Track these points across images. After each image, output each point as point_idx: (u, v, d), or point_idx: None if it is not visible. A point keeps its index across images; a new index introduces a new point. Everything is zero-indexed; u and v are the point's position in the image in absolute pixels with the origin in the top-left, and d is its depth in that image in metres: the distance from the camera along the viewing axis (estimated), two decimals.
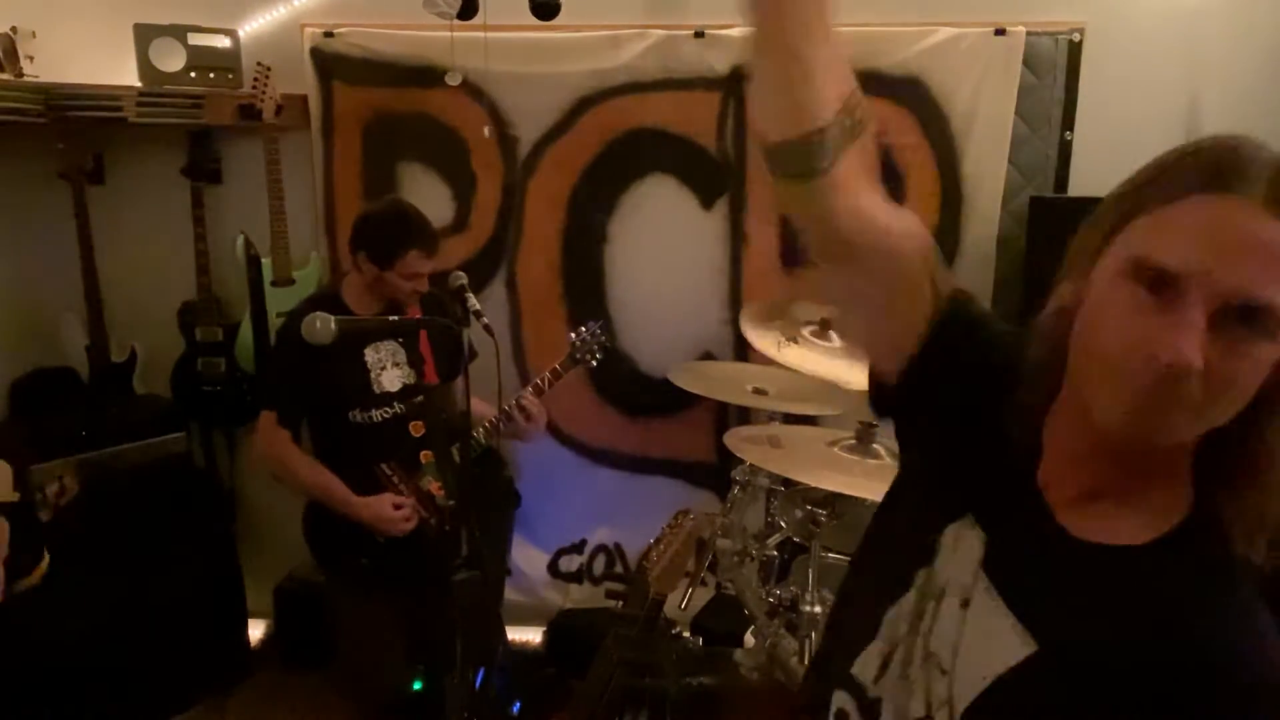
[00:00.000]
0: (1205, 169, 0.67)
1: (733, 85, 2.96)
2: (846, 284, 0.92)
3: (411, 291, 2.37)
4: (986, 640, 0.78)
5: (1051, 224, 2.71)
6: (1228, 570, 0.73)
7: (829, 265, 0.89)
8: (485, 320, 2.44)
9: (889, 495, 1.00)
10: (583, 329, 2.65)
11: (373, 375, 2.42)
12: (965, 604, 0.82)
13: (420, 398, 2.46)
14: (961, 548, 0.84)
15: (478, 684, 2.34)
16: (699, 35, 2.92)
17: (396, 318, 2.39)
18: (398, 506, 2.39)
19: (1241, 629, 0.70)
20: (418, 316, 2.45)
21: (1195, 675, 0.68)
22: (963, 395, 0.88)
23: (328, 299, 2.42)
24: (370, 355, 2.43)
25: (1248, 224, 0.65)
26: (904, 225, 0.88)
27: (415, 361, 2.49)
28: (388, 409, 2.43)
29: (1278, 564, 0.72)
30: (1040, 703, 0.73)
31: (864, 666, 0.88)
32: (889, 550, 0.94)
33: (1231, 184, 0.66)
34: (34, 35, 2.87)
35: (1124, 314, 0.69)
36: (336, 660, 2.69)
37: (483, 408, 2.54)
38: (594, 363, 2.64)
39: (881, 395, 0.96)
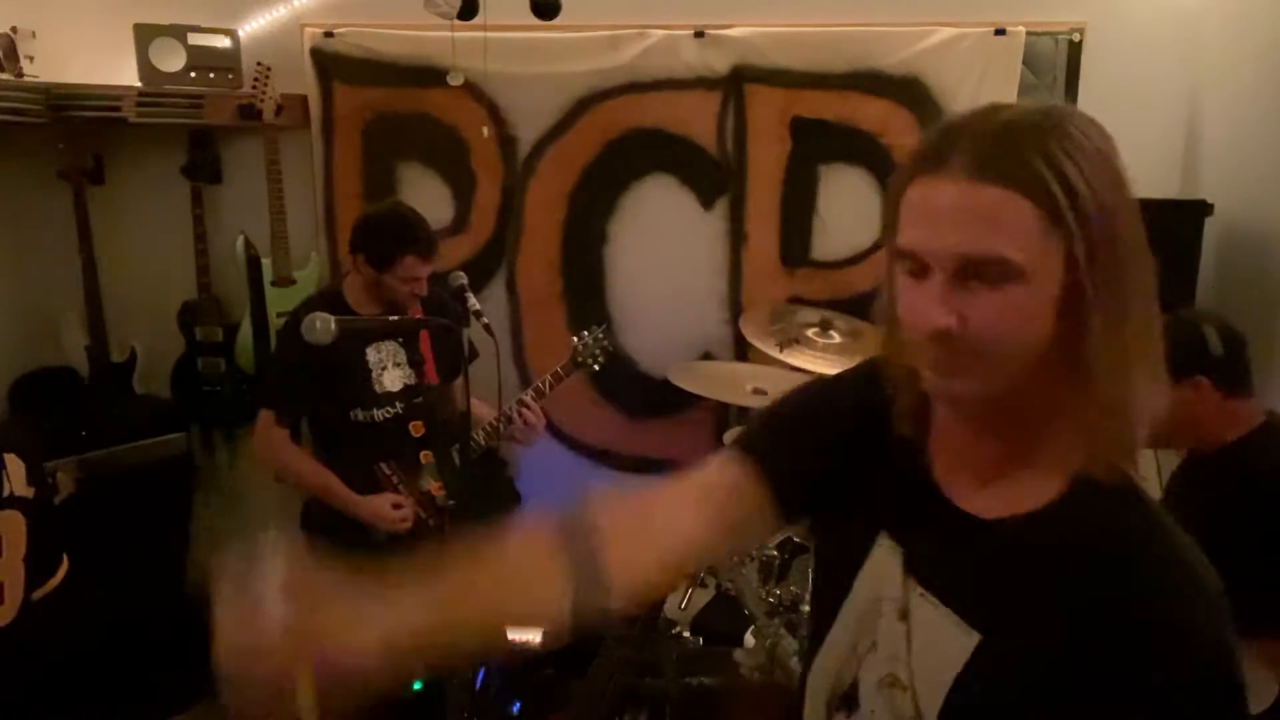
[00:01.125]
0: (920, 154, 0.77)
1: (733, 85, 2.96)
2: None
3: (410, 294, 2.37)
4: (935, 643, 0.82)
5: None
6: (1130, 501, 0.78)
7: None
8: (485, 320, 2.44)
9: (816, 553, 1.07)
10: (585, 333, 2.64)
11: (374, 375, 2.42)
12: (904, 615, 0.86)
13: (420, 398, 2.46)
14: (884, 565, 0.88)
15: (478, 684, 2.34)
16: (699, 35, 2.92)
17: (396, 318, 2.38)
18: (396, 506, 2.39)
19: (1153, 558, 0.75)
20: (419, 316, 2.44)
21: (1124, 618, 0.72)
22: (836, 465, 0.94)
23: (330, 298, 2.42)
24: (371, 355, 2.42)
25: (953, 195, 0.73)
26: (696, 526, 0.93)
27: (416, 361, 2.48)
28: (389, 409, 2.43)
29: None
30: (1002, 688, 0.76)
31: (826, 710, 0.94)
32: (823, 598, 0.99)
33: (937, 164, 0.74)
34: (34, 35, 2.87)
35: (906, 295, 0.79)
36: None
37: (483, 409, 2.54)
38: (596, 367, 2.64)
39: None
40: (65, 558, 2.01)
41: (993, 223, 0.72)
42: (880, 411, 0.89)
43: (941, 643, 0.81)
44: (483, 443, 2.56)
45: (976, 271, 0.73)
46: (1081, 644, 0.72)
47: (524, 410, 2.52)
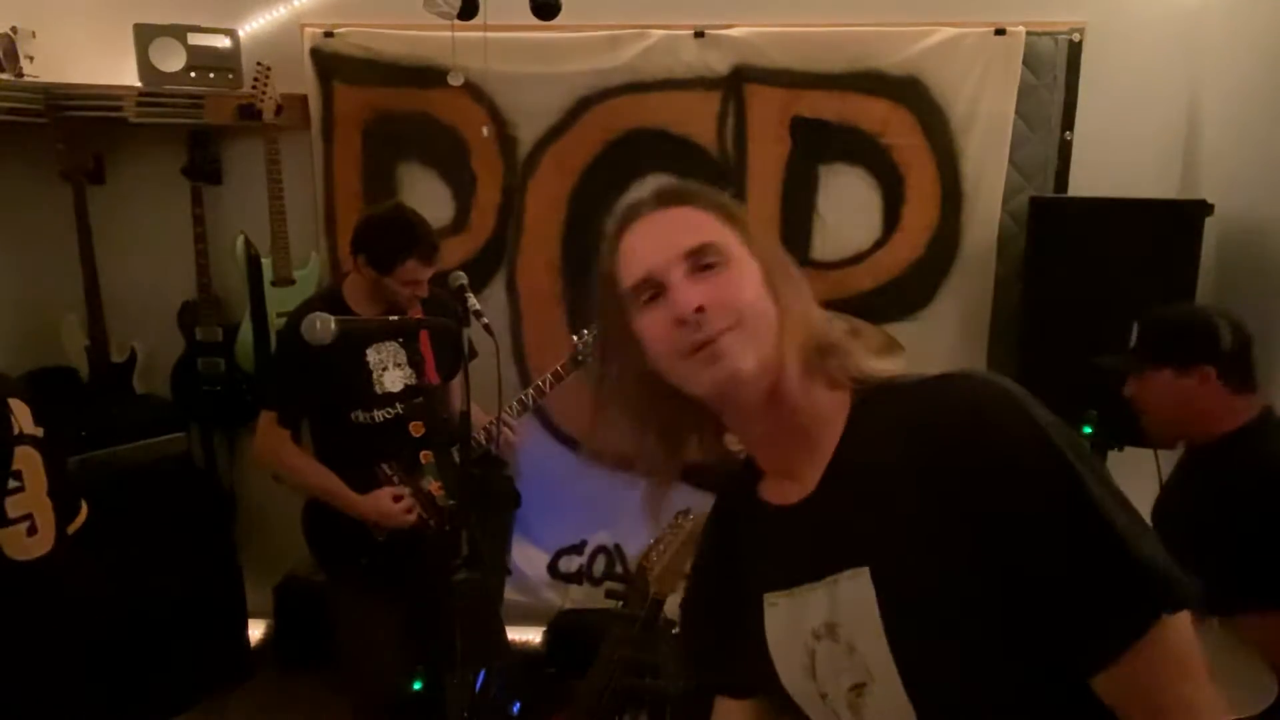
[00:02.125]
0: (615, 226, 0.96)
1: (733, 85, 2.96)
2: None
3: (411, 296, 2.37)
4: (852, 612, 0.87)
5: (1051, 224, 2.70)
6: (890, 385, 0.92)
7: None
8: (485, 320, 2.44)
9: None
10: (585, 332, 2.64)
11: (374, 375, 2.42)
12: (825, 631, 0.91)
13: (420, 398, 2.46)
14: (782, 618, 0.95)
15: (478, 684, 2.34)
16: (699, 35, 2.92)
17: (397, 318, 2.38)
18: (397, 499, 2.39)
19: (930, 396, 0.87)
20: (419, 317, 2.44)
21: (944, 456, 0.81)
22: (732, 601, 1.03)
23: (329, 299, 2.42)
24: (372, 355, 2.42)
25: (656, 219, 0.93)
26: None
27: (416, 362, 2.48)
28: (389, 409, 2.43)
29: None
30: (915, 585, 0.82)
31: None
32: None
33: (631, 217, 0.95)
34: (34, 35, 2.88)
35: (655, 326, 0.90)
36: (336, 661, 2.69)
37: (477, 416, 2.56)
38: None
39: None
40: (85, 506, 2.08)
41: (690, 224, 0.91)
42: (728, 509, 1.06)
43: (853, 604, 0.86)
44: (483, 441, 2.56)
45: (699, 261, 0.89)
46: (927, 504, 0.81)
47: (504, 429, 2.50)
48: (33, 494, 1.88)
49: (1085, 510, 0.77)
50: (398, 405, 2.44)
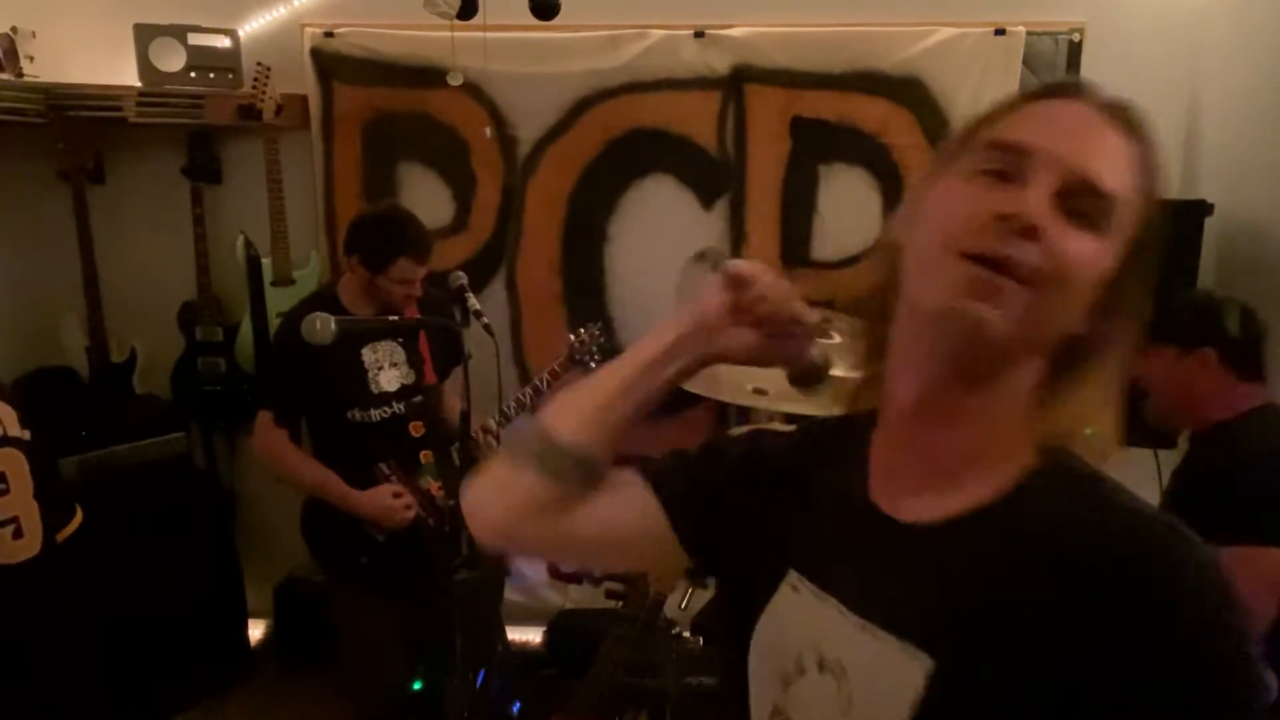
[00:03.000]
0: (1044, 87, 0.74)
1: (733, 85, 2.96)
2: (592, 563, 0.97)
3: (404, 296, 2.37)
4: (880, 683, 0.69)
5: None
6: (1091, 480, 0.70)
7: (570, 561, 0.95)
8: (485, 320, 2.44)
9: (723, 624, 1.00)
10: (582, 330, 2.64)
11: (370, 375, 2.42)
12: (830, 665, 0.74)
13: (419, 397, 2.46)
14: (794, 610, 0.78)
15: (478, 684, 2.34)
16: (699, 35, 2.92)
17: (396, 318, 2.38)
18: (397, 495, 2.39)
19: (1129, 533, 0.65)
20: (416, 316, 2.44)
21: (1108, 603, 0.62)
22: (755, 515, 0.86)
23: (324, 299, 2.42)
24: (368, 355, 2.42)
25: (1093, 121, 0.70)
26: (624, 505, 0.91)
27: (415, 361, 2.49)
28: (386, 408, 2.43)
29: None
30: (969, 713, 0.65)
31: None
32: (732, 675, 0.88)
33: (1072, 93, 0.72)
34: (34, 35, 2.88)
35: (965, 195, 0.69)
36: (337, 661, 2.70)
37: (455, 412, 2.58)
38: (594, 364, 2.64)
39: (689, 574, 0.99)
40: (79, 508, 2.07)
41: (1117, 163, 0.69)
42: (811, 449, 0.88)
43: (888, 679, 0.68)
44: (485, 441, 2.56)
45: (1078, 206, 0.67)
46: (1061, 642, 0.62)
47: (486, 435, 2.50)
48: (18, 496, 1.87)
49: None
50: (394, 405, 2.44)
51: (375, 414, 2.42)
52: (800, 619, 0.78)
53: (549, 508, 0.86)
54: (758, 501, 0.86)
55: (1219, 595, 0.62)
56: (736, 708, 0.85)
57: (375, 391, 2.41)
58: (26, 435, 1.91)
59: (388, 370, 2.44)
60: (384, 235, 2.35)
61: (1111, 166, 0.68)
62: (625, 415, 0.86)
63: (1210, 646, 0.61)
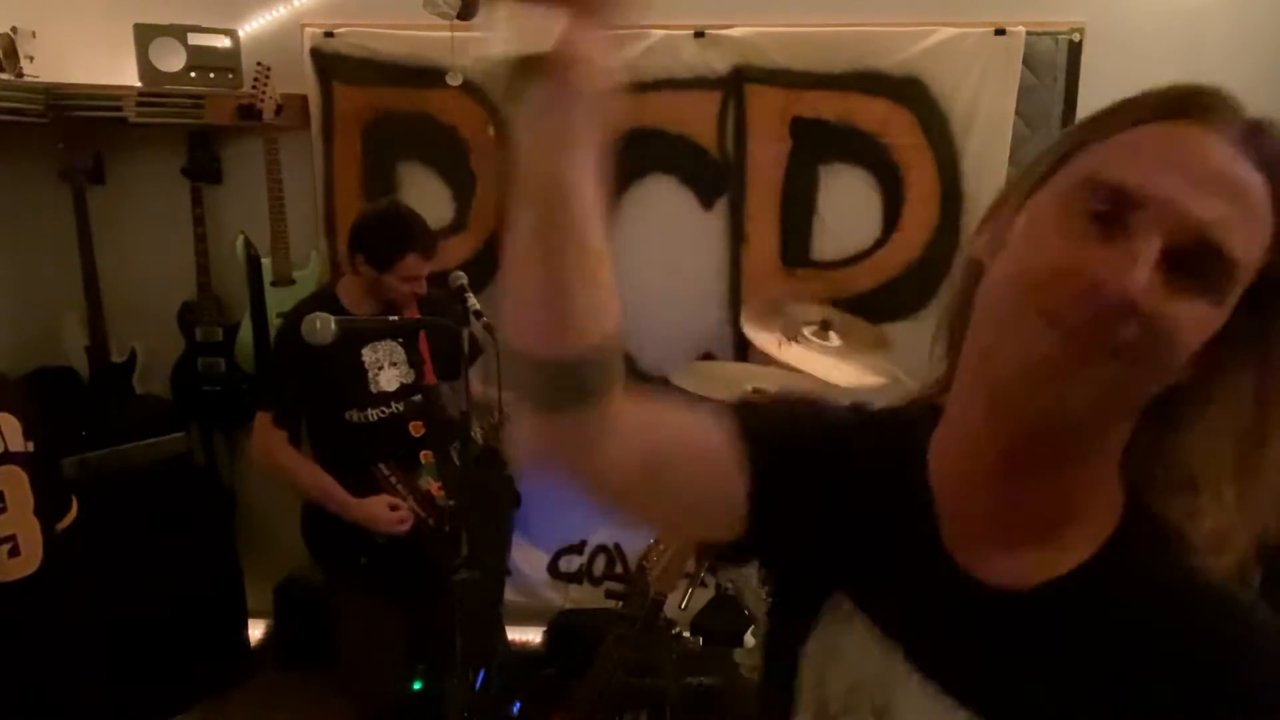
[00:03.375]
0: (1171, 97, 0.62)
1: (733, 85, 2.96)
2: (646, 508, 0.80)
3: (409, 294, 2.36)
4: None
5: None
6: (1177, 571, 0.62)
7: (623, 503, 0.77)
8: (485, 320, 2.44)
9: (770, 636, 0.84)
10: None
11: (370, 375, 2.41)
12: (866, 708, 0.69)
13: (419, 397, 2.46)
14: (848, 639, 0.71)
15: (478, 684, 2.34)
16: (699, 35, 2.92)
17: (396, 318, 2.39)
18: (394, 508, 2.38)
19: (1210, 628, 0.60)
20: (416, 316, 2.44)
21: (1176, 702, 0.58)
22: (821, 507, 0.75)
23: (324, 299, 2.41)
24: (367, 355, 2.42)
25: (1220, 154, 0.57)
26: (698, 420, 0.76)
27: (415, 362, 2.48)
28: (384, 408, 2.43)
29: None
30: None
31: None
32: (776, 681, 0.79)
33: (1202, 113, 0.59)
34: (34, 35, 2.87)
35: (1061, 241, 0.58)
36: (336, 660, 2.70)
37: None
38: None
39: (731, 551, 0.80)
40: (75, 505, 2.05)
41: (1244, 212, 0.56)
42: (899, 457, 0.73)
43: None
44: (481, 441, 2.56)
45: (1201, 258, 0.55)
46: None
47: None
48: (16, 515, 1.83)
49: None
50: (393, 405, 2.43)
51: (374, 414, 2.41)
52: (857, 656, 0.70)
53: (574, 440, 0.69)
54: (829, 492, 0.74)
55: None
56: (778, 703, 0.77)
57: (374, 391, 2.41)
58: (30, 447, 1.87)
59: (387, 370, 2.44)
60: (390, 233, 2.34)
61: (1242, 222, 0.56)
62: (581, 251, 0.64)
63: None
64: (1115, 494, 0.65)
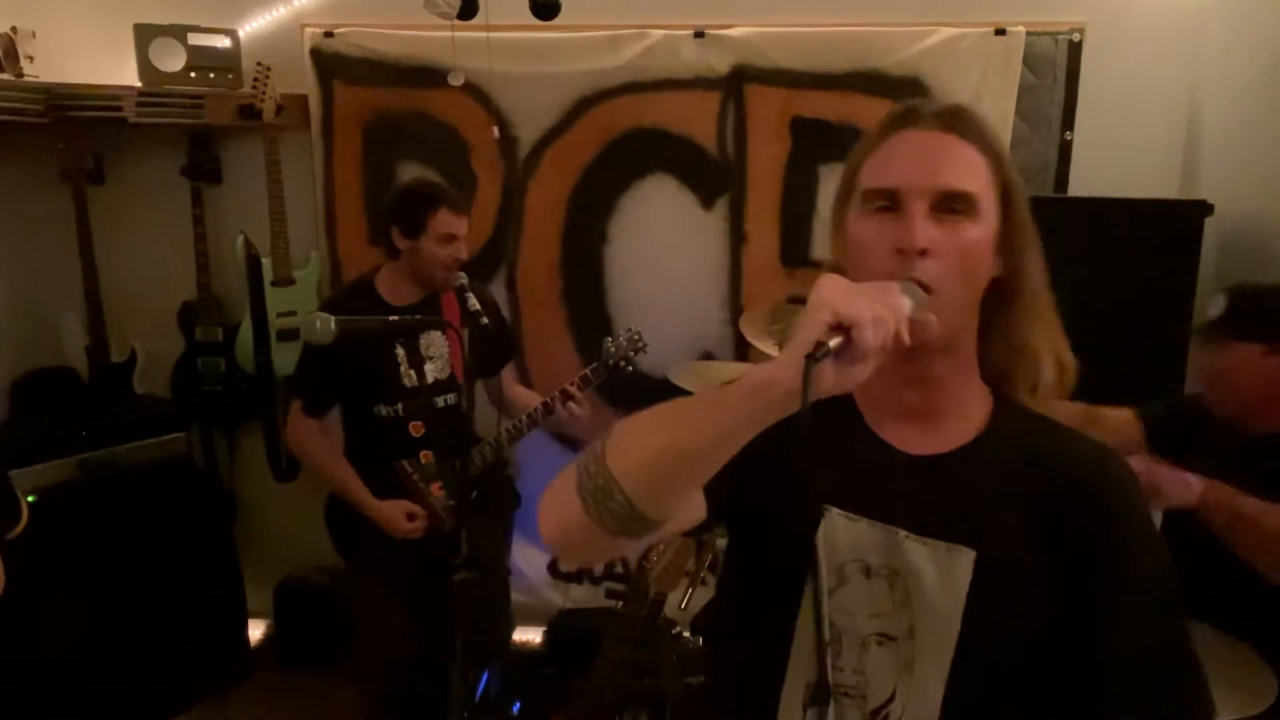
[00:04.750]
0: (890, 120, 0.93)
1: (733, 85, 2.96)
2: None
3: (449, 259, 2.36)
4: (935, 577, 0.89)
5: (1051, 224, 2.67)
6: (1048, 424, 0.95)
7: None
8: (485, 320, 2.44)
9: (729, 566, 1.06)
10: (619, 336, 2.61)
11: (401, 370, 2.43)
12: (878, 571, 0.92)
13: (421, 398, 2.46)
14: (837, 537, 0.93)
15: (479, 692, 2.34)
16: (699, 35, 2.92)
17: (396, 318, 2.39)
18: (411, 515, 2.40)
19: (1084, 459, 0.93)
20: (451, 298, 2.44)
21: (1081, 513, 0.88)
22: (763, 453, 0.86)
23: (361, 291, 2.45)
24: (402, 349, 2.43)
25: (932, 139, 0.90)
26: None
27: (446, 358, 2.49)
28: (415, 402, 2.44)
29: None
30: (1007, 592, 0.88)
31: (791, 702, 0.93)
32: (759, 594, 0.98)
33: (914, 121, 0.91)
34: (34, 35, 2.87)
35: (872, 236, 0.89)
36: (346, 651, 2.70)
37: (528, 397, 2.60)
38: (630, 369, 2.62)
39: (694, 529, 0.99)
40: (25, 513, 2.03)
41: (965, 166, 0.89)
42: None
43: (942, 573, 0.89)
44: (488, 456, 2.56)
45: (948, 206, 0.87)
46: (1055, 534, 0.88)
47: (569, 402, 2.51)
48: None
49: (1178, 620, 0.90)
50: (424, 399, 2.45)
51: (402, 409, 2.42)
52: (838, 541, 0.93)
53: (595, 539, 0.86)
54: (777, 444, 0.84)
55: (1140, 492, 0.93)
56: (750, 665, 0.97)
57: (406, 386, 2.42)
58: None
59: (424, 364, 2.45)
60: (418, 194, 2.39)
61: (964, 168, 0.89)
62: (696, 479, 0.85)
63: (1147, 529, 0.92)
64: (984, 397, 0.97)
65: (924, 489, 0.92)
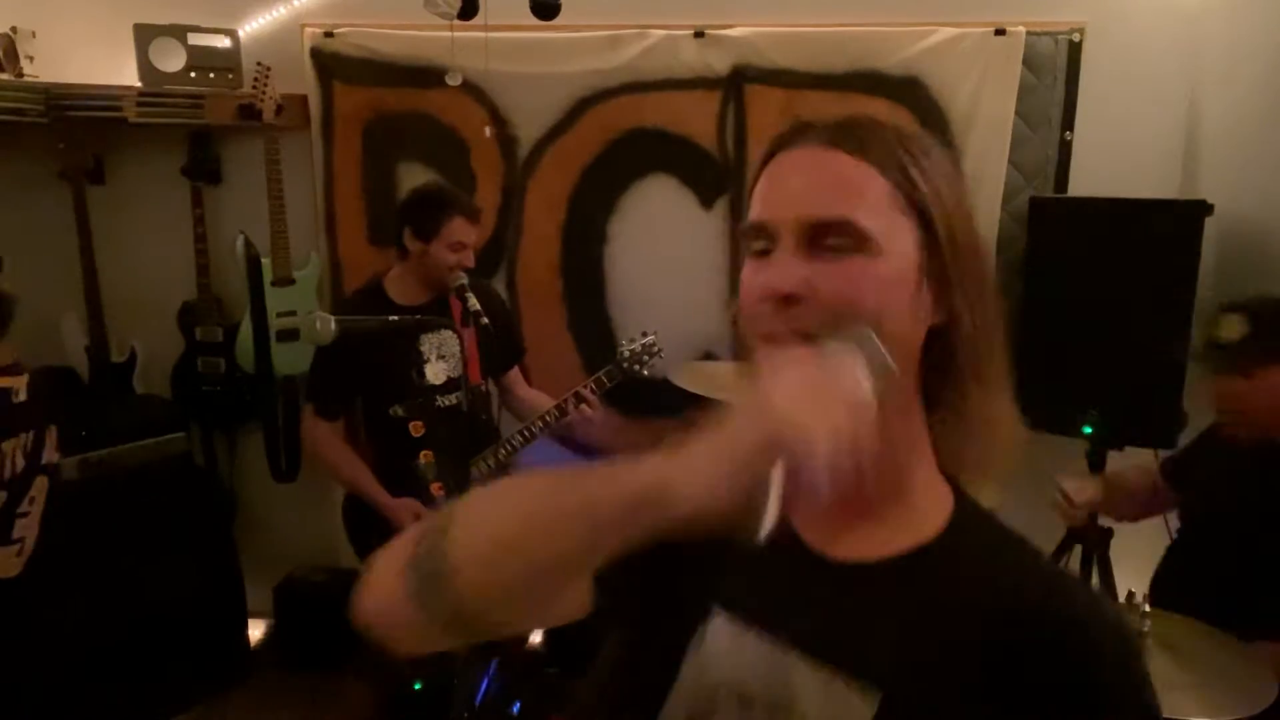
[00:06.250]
0: (770, 142, 0.79)
1: (733, 85, 2.96)
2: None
3: (456, 265, 2.38)
4: (828, 713, 0.69)
5: (1051, 224, 2.70)
6: (1009, 537, 0.75)
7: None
8: (485, 321, 2.44)
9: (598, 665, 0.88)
10: (636, 340, 2.62)
11: (414, 370, 2.43)
12: (756, 701, 0.72)
13: (420, 399, 2.46)
14: (720, 650, 0.74)
15: (479, 696, 2.34)
16: (699, 35, 2.92)
17: (395, 318, 2.39)
18: (418, 517, 2.40)
19: (1040, 588, 0.71)
20: (456, 304, 2.44)
21: (1022, 649, 0.67)
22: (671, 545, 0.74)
23: (371, 293, 2.48)
24: (413, 351, 2.44)
25: (806, 160, 0.73)
26: None
27: (461, 358, 2.50)
28: (429, 400, 2.46)
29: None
30: None
31: None
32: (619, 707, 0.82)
33: (795, 140, 0.75)
34: (34, 35, 2.87)
35: (748, 281, 0.74)
36: (355, 649, 2.70)
37: (539, 399, 2.61)
38: (645, 373, 2.63)
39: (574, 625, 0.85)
40: None
41: (844, 188, 0.70)
42: None
43: (838, 711, 0.69)
44: (517, 447, 2.56)
45: (826, 240, 0.70)
46: (992, 684, 0.66)
47: (582, 405, 2.52)
48: (34, 519, 1.95)
49: None
50: (440, 397, 2.46)
51: (409, 408, 2.44)
52: (718, 655, 0.74)
53: (418, 630, 0.72)
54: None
55: (1136, 668, 0.69)
56: None
57: (419, 385, 2.43)
58: (57, 459, 2.00)
59: (435, 364, 2.46)
60: (435, 200, 2.42)
61: (844, 191, 0.70)
62: (552, 587, 0.71)
63: (1131, 706, 0.67)
64: (941, 493, 0.76)
65: (836, 603, 0.72)
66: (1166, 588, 1.96)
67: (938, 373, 0.74)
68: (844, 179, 0.71)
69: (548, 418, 2.53)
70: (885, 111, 2.90)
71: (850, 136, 0.72)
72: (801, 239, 0.70)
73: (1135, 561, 2.30)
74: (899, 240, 0.70)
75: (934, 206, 0.71)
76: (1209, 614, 1.73)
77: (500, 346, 2.53)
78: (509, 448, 2.53)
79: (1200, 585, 1.85)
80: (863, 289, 0.69)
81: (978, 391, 0.73)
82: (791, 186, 0.73)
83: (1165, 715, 1.51)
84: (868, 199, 0.70)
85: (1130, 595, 1.79)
